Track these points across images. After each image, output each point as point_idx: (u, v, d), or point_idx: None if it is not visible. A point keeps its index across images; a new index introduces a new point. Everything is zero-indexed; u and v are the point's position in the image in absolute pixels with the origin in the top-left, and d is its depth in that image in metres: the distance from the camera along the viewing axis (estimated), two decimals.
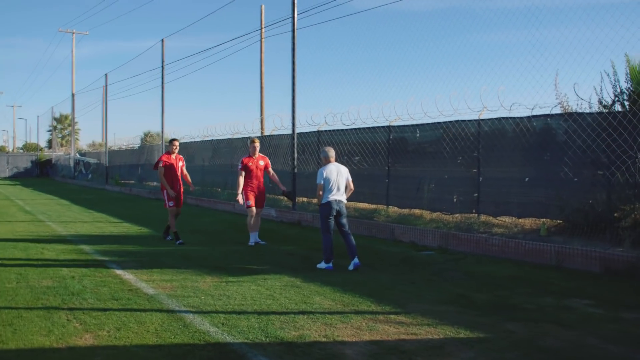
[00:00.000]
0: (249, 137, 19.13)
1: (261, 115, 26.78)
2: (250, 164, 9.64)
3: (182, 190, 10.27)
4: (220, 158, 21.34)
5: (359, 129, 14.25)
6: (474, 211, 11.50)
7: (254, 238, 9.67)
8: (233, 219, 14.07)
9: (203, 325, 5.00)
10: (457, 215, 11.69)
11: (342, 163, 13.57)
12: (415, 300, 5.91)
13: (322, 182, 7.67)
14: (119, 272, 7.36)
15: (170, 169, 9.99)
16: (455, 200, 11.93)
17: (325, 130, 15.67)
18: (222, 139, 20.90)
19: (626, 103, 9.83)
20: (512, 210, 10.92)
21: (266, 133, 19.63)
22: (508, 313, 5.40)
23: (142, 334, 4.76)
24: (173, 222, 10.06)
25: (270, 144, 17.88)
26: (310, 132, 16.16)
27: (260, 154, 9.90)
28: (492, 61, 11.32)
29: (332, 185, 7.71)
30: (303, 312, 5.42)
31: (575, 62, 9.71)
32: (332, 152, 7.98)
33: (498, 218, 11.08)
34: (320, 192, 7.67)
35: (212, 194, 19.03)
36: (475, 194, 11.49)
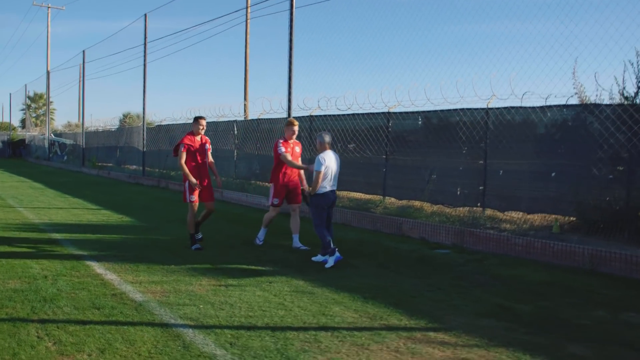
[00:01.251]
0: (252, 119, 17.96)
1: (245, 98, 25.52)
2: (287, 149, 7.80)
3: (209, 181, 8.02)
4: None
5: (356, 114, 13.27)
6: (479, 205, 10.69)
7: (263, 235, 8.09)
8: (221, 207, 12.94)
9: (207, 345, 4.01)
10: (461, 208, 10.88)
11: (336, 150, 12.70)
12: (451, 311, 5.01)
13: (322, 169, 6.84)
14: (99, 270, 6.29)
15: (194, 154, 7.77)
16: (459, 192, 11.10)
17: (318, 115, 14.63)
18: (207, 122, 19.65)
19: None
20: (520, 205, 10.13)
21: (251, 117, 18.47)
22: (563, 330, 4.54)
23: (132, 358, 3.75)
24: (193, 221, 7.81)
25: (258, 128, 16.81)
26: (301, 116, 15.10)
27: (295, 140, 8.03)
28: (505, 47, 10.41)
29: (330, 175, 6.95)
30: (325, 328, 4.46)
31: (592, 51, 8.92)
32: (328, 138, 7.17)
33: (505, 213, 10.30)
34: (320, 181, 6.86)
35: None
36: (481, 187, 10.67)
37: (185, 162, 7.75)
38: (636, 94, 9.18)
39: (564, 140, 9.57)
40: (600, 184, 8.95)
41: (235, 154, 18.00)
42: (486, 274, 6.53)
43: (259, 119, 16.97)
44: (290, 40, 11.62)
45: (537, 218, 9.90)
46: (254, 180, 16.38)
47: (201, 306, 4.97)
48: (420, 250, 7.89)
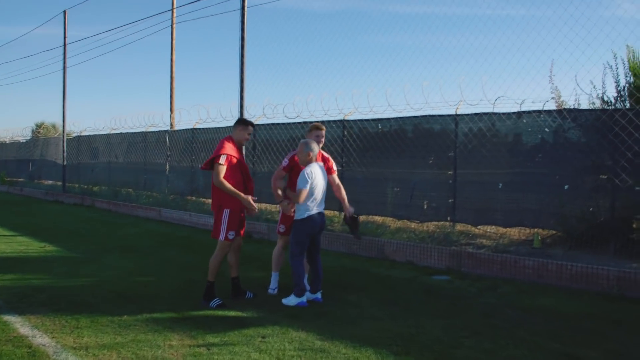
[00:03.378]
0: (187, 129, 15.93)
1: (171, 108, 23.38)
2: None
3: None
4: (132, 154, 17.99)
5: (306, 122, 11.93)
6: (448, 219, 9.71)
7: (276, 281, 5.93)
8: (163, 229, 11.07)
9: None
10: (428, 223, 9.87)
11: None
12: None
13: (307, 187, 5.36)
14: (24, 330, 4.49)
15: (235, 169, 5.47)
16: (425, 206, 10.07)
17: (264, 124, 13.15)
18: (135, 132, 17.59)
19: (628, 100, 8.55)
20: (495, 219, 9.25)
21: (186, 127, 16.49)
22: None
23: None
24: (218, 266, 5.53)
25: (195, 138, 15.06)
26: None
27: (322, 151, 5.88)
28: (475, 48, 9.50)
29: (317, 193, 5.46)
30: None
31: (572, 52, 8.20)
32: (316, 149, 5.60)
33: (478, 227, 9.40)
34: (303, 198, 5.36)
35: (128, 197, 15.72)
36: (451, 200, 9.69)
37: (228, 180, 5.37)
38: (616, 98, 8.61)
39: (541, 148, 8.81)
40: (582, 194, 8.24)
41: (167, 167, 16.08)
42: (512, 307, 5.39)
43: (195, 129, 15.20)
44: (242, 30, 10.06)
45: (513, 232, 9.09)
46: (193, 196, 14.60)
47: None
48: (418, 279, 6.65)
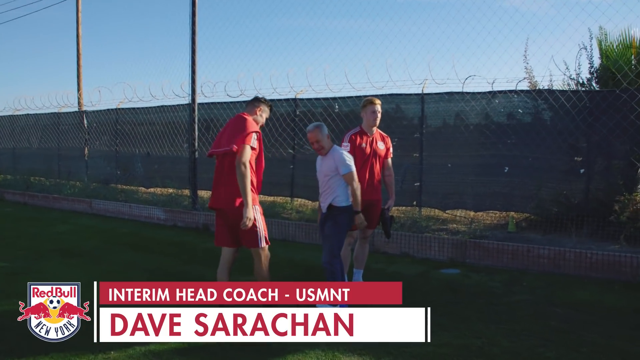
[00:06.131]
0: (110, 109, 13.84)
1: (78, 84, 20.76)
2: (363, 144, 4.96)
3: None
4: (43, 138, 15.66)
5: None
6: (414, 203, 9.13)
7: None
8: (101, 224, 9.29)
9: None
10: (393, 208, 9.21)
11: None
12: None
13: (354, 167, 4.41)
14: None
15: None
16: None
17: (203, 103, 11.73)
18: (45, 114, 15.34)
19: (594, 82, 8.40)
20: (465, 203, 8.79)
21: (109, 107, 14.40)
22: None
23: None
24: (269, 275, 4.24)
25: (120, 120, 13.29)
26: (177, 105, 12.10)
27: (379, 130, 5.17)
28: (446, 22, 8.85)
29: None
30: None
31: (552, 29, 7.84)
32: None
33: (447, 211, 8.91)
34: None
35: (45, 188, 13.57)
36: (417, 183, 9.09)
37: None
38: (590, 80, 8.39)
39: (514, 130, 8.42)
40: (557, 176, 7.98)
41: (86, 152, 14.13)
42: (554, 303, 4.75)
43: (120, 109, 13.38)
44: None
45: (485, 216, 8.69)
46: (119, 184, 12.87)
47: None
48: (429, 274, 5.84)
